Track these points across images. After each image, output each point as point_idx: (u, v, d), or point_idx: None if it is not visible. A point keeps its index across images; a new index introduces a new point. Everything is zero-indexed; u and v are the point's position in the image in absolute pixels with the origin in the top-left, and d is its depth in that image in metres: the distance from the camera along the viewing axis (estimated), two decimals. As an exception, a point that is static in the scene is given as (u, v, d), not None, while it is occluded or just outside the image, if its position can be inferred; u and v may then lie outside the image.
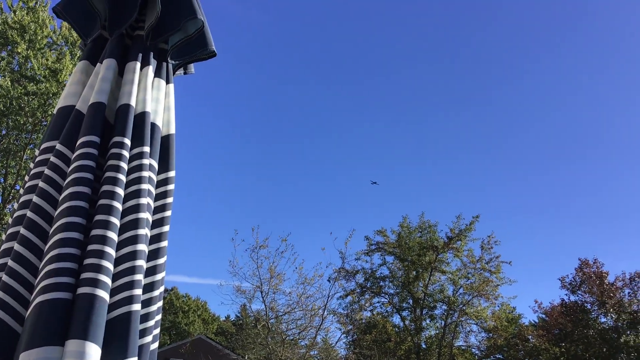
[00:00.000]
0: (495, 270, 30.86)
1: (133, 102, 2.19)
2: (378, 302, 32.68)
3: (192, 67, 2.72)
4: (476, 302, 30.76)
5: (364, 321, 31.59)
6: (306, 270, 25.05)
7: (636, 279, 32.20)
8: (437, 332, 32.27)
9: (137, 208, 1.98)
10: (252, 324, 26.96)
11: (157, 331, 2.03)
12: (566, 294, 33.63)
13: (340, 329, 29.37)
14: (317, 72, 64.86)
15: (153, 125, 2.23)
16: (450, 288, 31.99)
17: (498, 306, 31.57)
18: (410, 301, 32.18)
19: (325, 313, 25.81)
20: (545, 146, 59.26)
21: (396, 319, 33.05)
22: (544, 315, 36.18)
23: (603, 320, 32.12)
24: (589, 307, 32.44)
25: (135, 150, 2.11)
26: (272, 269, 24.82)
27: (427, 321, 32.26)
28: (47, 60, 17.40)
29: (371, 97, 61.60)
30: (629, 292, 32.13)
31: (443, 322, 31.52)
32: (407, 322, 32.34)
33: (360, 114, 62.22)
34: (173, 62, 2.51)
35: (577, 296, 32.98)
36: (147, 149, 2.13)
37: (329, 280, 26.86)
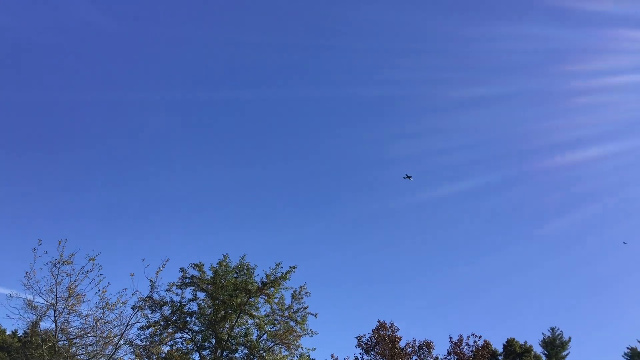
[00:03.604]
0: (301, 321, 31.68)
1: None
2: (180, 337, 31.74)
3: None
4: (277, 350, 31.21)
5: (162, 355, 30.49)
6: (110, 294, 23.77)
7: (424, 347, 35.11)
8: (234, 375, 32.07)
9: None
10: (37, 344, 24.91)
11: None
12: (360, 353, 35.59)
13: (134, 361, 28.15)
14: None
15: None
16: (255, 333, 32.16)
17: (297, 356, 32.31)
18: (214, 341, 31.73)
19: (121, 342, 24.66)
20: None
21: (196, 358, 32.35)
22: (338, 370, 37.75)
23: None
24: (379, 367, 34.56)
25: None
26: (72, 288, 23.32)
27: (226, 363, 32.00)
28: None
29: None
30: (415, 359, 34.89)
31: (241, 366, 31.50)
32: (205, 362, 31.81)
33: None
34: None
35: (370, 356, 35.04)
36: None
37: (132, 309, 25.75)
